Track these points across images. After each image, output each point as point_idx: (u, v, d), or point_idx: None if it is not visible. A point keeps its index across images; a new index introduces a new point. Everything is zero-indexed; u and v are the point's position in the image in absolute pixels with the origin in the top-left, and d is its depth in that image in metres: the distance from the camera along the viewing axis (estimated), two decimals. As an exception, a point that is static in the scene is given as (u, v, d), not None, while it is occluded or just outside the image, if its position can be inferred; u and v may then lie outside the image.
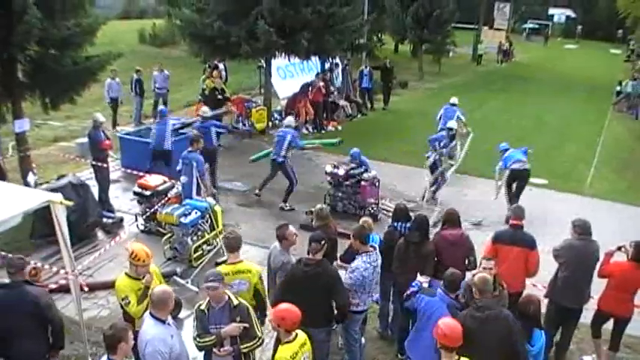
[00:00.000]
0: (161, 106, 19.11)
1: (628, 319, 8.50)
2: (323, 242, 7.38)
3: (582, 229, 8.33)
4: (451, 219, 8.78)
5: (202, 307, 6.56)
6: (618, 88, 31.06)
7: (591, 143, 22.16)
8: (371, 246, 8.02)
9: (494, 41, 49.50)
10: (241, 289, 7.38)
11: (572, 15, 74.67)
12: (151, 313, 6.25)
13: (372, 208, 13.86)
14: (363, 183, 13.88)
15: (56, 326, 6.97)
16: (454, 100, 19.43)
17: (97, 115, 14.17)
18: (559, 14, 73.50)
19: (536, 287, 8.99)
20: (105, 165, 13.65)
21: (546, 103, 30.37)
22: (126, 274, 7.18)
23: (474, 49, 47.05)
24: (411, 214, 9.23)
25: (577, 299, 8.41)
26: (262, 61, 22.12)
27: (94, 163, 13.63)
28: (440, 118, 18.94)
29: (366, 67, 26.24)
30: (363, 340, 8.92)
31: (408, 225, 8.78)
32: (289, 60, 22.09)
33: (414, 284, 7.48)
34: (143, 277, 7.10)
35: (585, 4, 75.28)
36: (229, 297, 6.54)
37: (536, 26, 69.49)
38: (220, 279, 6.52)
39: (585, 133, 24.13)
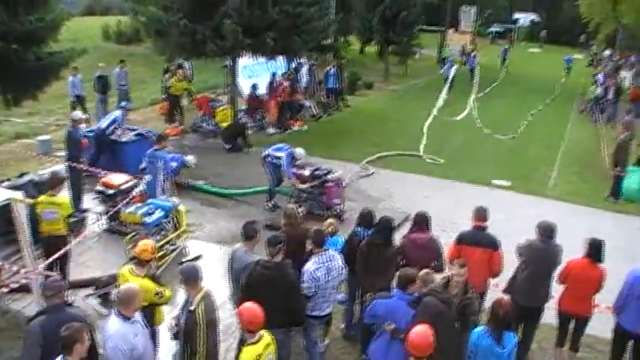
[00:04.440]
0: (124, 102, 18.97)
1: (587, 318, 8.67)
2: (279, 245, 7.42)
3: (545, 231, 8.48)
4: (420, 222, 8.84)
5: None
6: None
7: (554, 146, 22.49)
8: (325, 249, 8.02)
9: (459, 44, 49.95)
10: (51, 217, 9.56)
11: (537, 19, 75.75)
12: (117, 310, 6.22)
13: (338, 209, 13.92)
14: (328, 184, 13.90)
15: (95, 347, 6.59)
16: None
17: (76, 112, 14.16)
18: (524, 18, 74.52)
19: (499, 287, 9.10)
20: (80, 165, 13.48)
21: (510, 106, 30.73)
22: (138, 275, 7.49)
23: (440, 52, 47.43)
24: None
25: (536, 299, 8.57)
26: (228, 60, 22.05)
27: (68, 163, 13.41)
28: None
29: (332, 67, 26.30)
30: (326, 340, 8.98)
31: (370, 231, 8.81)
32: (255, 59, 22.07)
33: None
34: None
35: (550, 9, 76.37)
36: (194, 299, 6.54)
37: (501, 30, 70.24)
38: (198, 278, 6.68)
39: (548, 135, 24.49)
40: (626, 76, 39.77)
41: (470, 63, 39.47)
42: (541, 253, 8.46)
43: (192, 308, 6.46)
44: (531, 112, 28.10)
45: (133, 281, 7.25)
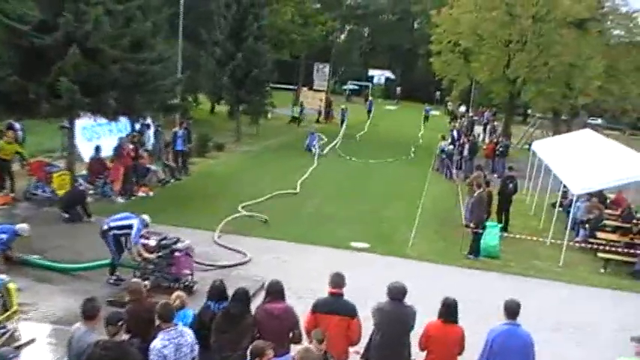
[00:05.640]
0: None
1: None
2: (120, 323, 7.28)
3: (394, 293, 8.78)
4: (274, 291, 8.82)
5: None
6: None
7: (413, 204, 23.36)
8: (174, 324, 7.95)
9: (314, 102, 51.37)
10: None
11: (392, 76, 79.39)
12: None
13: (188, 280, 13.73)
14: (176, 253, 13.70)
15: None
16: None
17: None
18: (379, 76, 77.86)
19: (359, 354, 9.25)
20: None
21: (368, 165, 31.74)
22: None
23: (292, 110, 48.55)
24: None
25: (392, 362, 8.80)
26: (66, 120, 21.51)
27: None
28: None
29: (180, 128, 26.19)
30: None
31: (223, 304, 8.77)
32: (96, 120, 21.67)
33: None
34: None
35: (404, 67, 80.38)
36: None
37: (357, 87, 72.94)
38: (17, 355, 6.38)
39: (407, 193, 25.44)
40: (479, 133, 42.30)
41: (342, 115, 47.06)
42: (391, 316, 8.74)
43: None
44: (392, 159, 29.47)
45: None
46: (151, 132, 25.94)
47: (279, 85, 45.92)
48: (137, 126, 24.76)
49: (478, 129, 46.18)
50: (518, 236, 19.36)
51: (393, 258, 17.25)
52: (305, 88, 54.16)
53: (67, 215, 18.45)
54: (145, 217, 13.99)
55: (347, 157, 33.56)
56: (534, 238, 19.39)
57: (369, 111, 56.09)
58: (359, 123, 49.30)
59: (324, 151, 33.69)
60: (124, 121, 23.67)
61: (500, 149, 32.10)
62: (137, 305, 8.68)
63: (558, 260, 18.06)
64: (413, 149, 37.57)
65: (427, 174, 30.69)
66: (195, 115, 37.97)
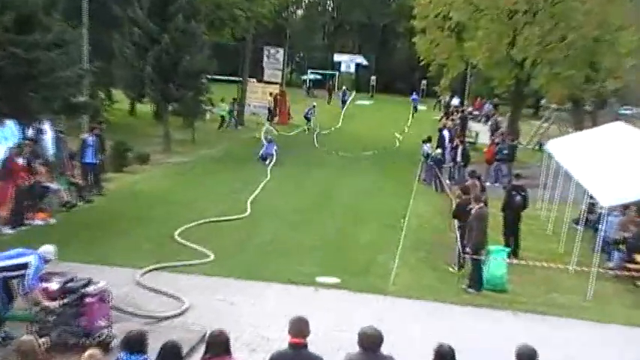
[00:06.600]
0: None
1: None
2: None
3: (367, 342, 8.66)
4: (217, 344, 8.72)
5: None
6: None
7: (395, 226, 23.31)
8: None
9: (264, 98, 51.12)
10: None
11: (364, 62, 78.84)
12: None
13: (103, 334, 13.44)
14: (87, 299, 13.41)
15: None
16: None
17: None
18: (347, 62, 76.99)
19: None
20: None
21: (337, 177, 31.84)
22: None
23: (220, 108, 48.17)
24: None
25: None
26: None
27: None
28: None
29: (90, 134, 25.82)
30: None
31: (143, 357, 8.68)
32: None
33: None
34: None
35: (379, 50, 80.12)
36: None
37: (319, 77, 72.52)
38: None
39: (387, 213, 25.35)
40: (478, 131, 42.38)
41: (307, 114, 49.64)
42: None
43: None
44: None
45: None
46: (48, 139, 25.52)
47: (219, 77, 45.54)
48: (29, 132, 24.31)
49: (477, 126, 46.31)
50: (531, 263, 19.34)
51: (371, 295, 17.09)
52: (253, 80, 53.75)
53: None
54: (46, 249, 13.67)
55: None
56: (553, 265, 19.36)
57: (344, 102, 60.44)
58: (327, 121, 49.56)
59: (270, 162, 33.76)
60: (11, 126, 23.24)
61: (504, 152, 32.12)
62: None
63: (585, 293, 18.01)
64: (370, 152, 37.92)
65: (412, 186, 30.69)
66: (110, 118, 37.63)
